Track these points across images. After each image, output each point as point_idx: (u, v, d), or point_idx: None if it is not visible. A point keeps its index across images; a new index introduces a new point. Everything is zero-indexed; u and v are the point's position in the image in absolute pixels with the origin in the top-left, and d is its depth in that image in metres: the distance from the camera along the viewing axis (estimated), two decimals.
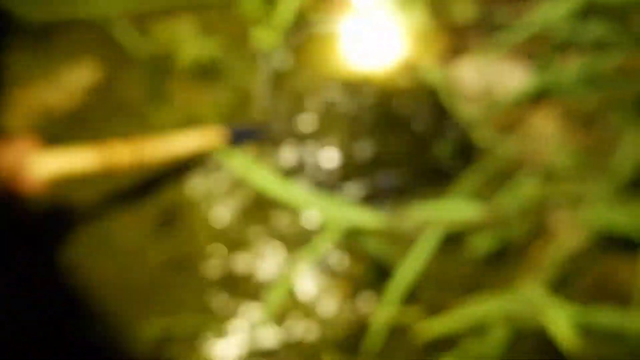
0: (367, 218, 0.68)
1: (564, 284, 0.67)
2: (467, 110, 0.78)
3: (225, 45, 0.79)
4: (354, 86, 0.78)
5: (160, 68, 0.78)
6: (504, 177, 0.74)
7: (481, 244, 0.68)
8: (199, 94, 0.77)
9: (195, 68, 0.78)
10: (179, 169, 0.72)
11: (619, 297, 0.65)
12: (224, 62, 0.78)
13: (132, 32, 0.78)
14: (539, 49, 0.78)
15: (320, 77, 0.78)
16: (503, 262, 0.69)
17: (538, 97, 0.79)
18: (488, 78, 0.80)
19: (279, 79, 0.78)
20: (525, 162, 0.76)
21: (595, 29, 0.74)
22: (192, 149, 0.66)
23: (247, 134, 0.72)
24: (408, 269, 0.66)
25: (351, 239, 0.70)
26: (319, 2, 0.82)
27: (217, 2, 0.81)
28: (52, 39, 0.79)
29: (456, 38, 0.79)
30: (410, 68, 0.79)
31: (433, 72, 0.77)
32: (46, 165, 0.56)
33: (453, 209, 0.67)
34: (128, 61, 0.78)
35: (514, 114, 0.79)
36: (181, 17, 0.80)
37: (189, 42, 0.78)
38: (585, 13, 0.74)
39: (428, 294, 0.69)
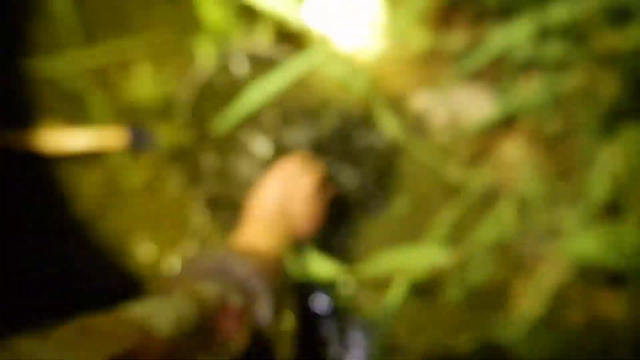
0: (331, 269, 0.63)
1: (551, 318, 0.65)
2: (434, 144, 0.76)
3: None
4: (311, 109, 0.74)
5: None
6: (478, 210, 0.72)
7: (455, 290, 0.66)
8: None
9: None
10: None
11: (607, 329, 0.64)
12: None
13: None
14: (500, 73, 0.75)
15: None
16: (483, 302, 0.67)
17: (504, 123, 0.77)
18: (452, 108, 0.78)
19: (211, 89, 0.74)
20: (498, 192, 0.74)
21: (555, 49, 0.71)
22: (92, 146, 0.69)
23: (148, 139, 0.72)
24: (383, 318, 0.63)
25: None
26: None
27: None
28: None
29: (414, 68, 0.77)
30: (368, 100, 0.75)
31: (386, 109, 0.74)
32: None
33: (421, 256, 0.64)
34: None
35: (481, 142, 0.77)
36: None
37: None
38: (544, 34, 0.71)
39: (405, 340, 0.67)
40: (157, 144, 0.74)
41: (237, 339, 0.39)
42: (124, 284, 0.71)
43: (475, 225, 0.72)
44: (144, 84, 0.77)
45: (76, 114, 0.75)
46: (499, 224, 0.70)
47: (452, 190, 0.74)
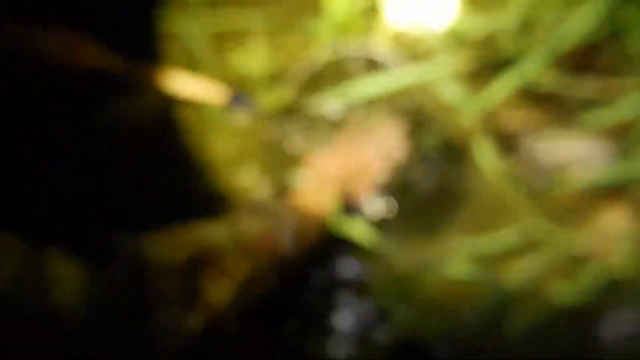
0: None
1: None
2: (531, 185, 0.71)
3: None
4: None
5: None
6: (557, 273, 0.68)
7: None
8: None
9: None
10: None
11: None
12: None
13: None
14: (626, 134, 0.69)
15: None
16: None
17: (614, 188, 0.71)
18: (562, 157, 0.72)
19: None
20: (587, 258, 0.69)
21: None
22: (196, 94, 0.75)
23: (246, 103, 0.75)
24: None
25: None
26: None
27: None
28: None
29: (534, 108, 0.71)
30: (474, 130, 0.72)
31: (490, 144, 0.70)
32: None
33: None
34: None
35: (582, 202, 0.71)
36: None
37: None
38: None
39: None
40: (254, 109, 0.76)
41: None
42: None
43: (551, 287, 0.68)
44: (255, 55, 0.77)
45: (189, 69, 0.77)
46: (577, 292, 0.66)
47: (535, 243, 0.70)
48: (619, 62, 0.72)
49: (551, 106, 0.75)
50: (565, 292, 0.67)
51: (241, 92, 0.76)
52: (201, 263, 0.44)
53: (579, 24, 0.67)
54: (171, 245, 0.44)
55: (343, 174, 0.67)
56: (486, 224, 0.71)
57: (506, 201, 0.71)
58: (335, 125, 0.74)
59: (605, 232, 0.68)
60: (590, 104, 0.70)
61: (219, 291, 0.44)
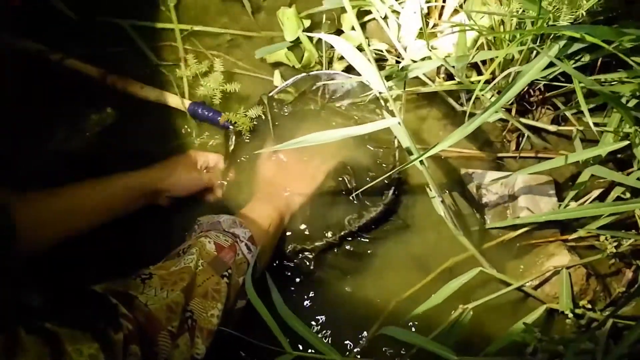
0: None
1: None
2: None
3: None
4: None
5: None
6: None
7: None
8: None
9: None
10: None
11: None
12: None
13: None
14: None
15: None
16: None
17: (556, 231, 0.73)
18: (507, 196, 0.74)
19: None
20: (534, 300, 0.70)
21: None
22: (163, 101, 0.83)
23: (206, 115, 0.81)
24: None
25: None
26: None
27: None
28: None
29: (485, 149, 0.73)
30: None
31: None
32: None
33: None
34: None
35: (525, 242, 0.73)
36: None
37: None
38: None
39: None
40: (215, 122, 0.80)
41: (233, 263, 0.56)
42: None
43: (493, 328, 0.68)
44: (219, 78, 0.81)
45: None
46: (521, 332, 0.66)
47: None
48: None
49: (498, 149, 0.78)
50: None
51: (201, 102, 0.82)
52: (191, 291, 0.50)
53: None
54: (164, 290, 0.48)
55: (285, 181, 0.73)
56: (429, 261, 0.73)
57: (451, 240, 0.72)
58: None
59: (550, 276, 0.70)
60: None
61: (212, 316, 0.51)
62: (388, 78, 0.74)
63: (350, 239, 0.74)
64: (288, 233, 0.73)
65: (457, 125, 0.80)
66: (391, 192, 0.75)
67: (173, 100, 0.83)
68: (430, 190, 0.68)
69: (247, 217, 0.67)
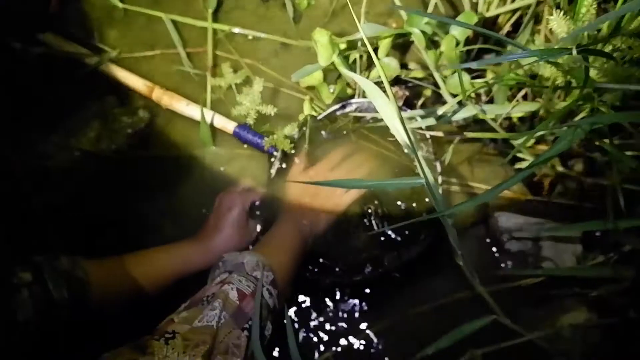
0: None
1: None
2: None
3: None
4: None
5: None
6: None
7: None
8: None
9: None
10: None
11: None
12: None
13: None
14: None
15: None
16: None
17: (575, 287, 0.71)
18: (532, 250, 0.73)
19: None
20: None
21: None
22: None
23: (250, 139, 0.82)
24: None
25: None
26: None
27: None
28: None
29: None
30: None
31: None
32: None
33: None
34: None
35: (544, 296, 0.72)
36: None
37: None
38: None
39: None
40: (260, 147, 0.81)
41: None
42: None
43: None
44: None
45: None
46: None
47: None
48: None
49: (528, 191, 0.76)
50: None
51: (245, 125, 0.82)
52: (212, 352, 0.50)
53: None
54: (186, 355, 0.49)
55: (311, 204, 0.74)
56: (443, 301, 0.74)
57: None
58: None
59: (565, 332, 0.69)
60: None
61: None
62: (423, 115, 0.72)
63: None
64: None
65: (485, 159, 0.79)
66: (433, 233, 0.74)
67: (219, 121, 0.83)
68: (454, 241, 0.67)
69: (272, 246, 0.68)
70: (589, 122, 0.52)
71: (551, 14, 0.55)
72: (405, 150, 0.73)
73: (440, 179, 0.76)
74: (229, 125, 0.83)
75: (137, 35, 0.91)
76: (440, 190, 0.75)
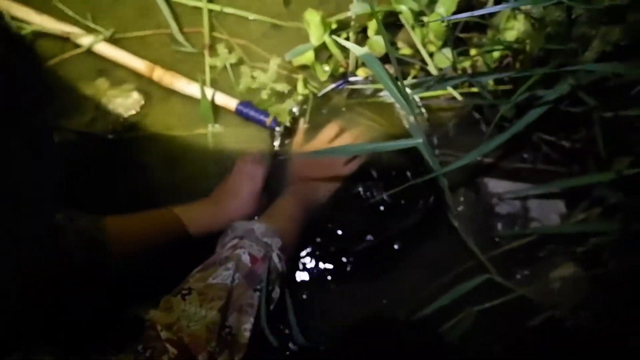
0: None
1: None
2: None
3: None
4: None
5: None
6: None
7: None
8: None
9: None
10: None
11: None
12: None
13: None
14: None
15: None
16: None
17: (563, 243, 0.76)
18: (520, 207, 0.77)
19: None
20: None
21: None
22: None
23: (253, 115, 0.83)
24: None
25: None
26: None
27: None
28: None
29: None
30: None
31: None
32: None
33: None
34: None
35: (533, 252, 0.77)
36: None
37: None
38: None
39: None
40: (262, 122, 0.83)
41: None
42: None
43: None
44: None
45: None
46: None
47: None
48: None
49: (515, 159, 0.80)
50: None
51: (247, 102, 0.84)
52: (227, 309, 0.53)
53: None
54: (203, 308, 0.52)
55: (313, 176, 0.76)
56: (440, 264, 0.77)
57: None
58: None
59: (555, 286, 0.73)
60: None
61: (245, 330, 0.54)
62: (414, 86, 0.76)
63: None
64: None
65: (474, 130, 0.83)
66: (431, 199, 0.77)
67: (221, 98, 0.85)
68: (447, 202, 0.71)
69: (278, 215, 0.70)
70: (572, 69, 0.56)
71: None
72: (402, 113, 0.76)
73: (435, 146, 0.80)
74: (231, 103, 0.84)
75: (130, 15, 0.91)
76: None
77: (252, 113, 0.83)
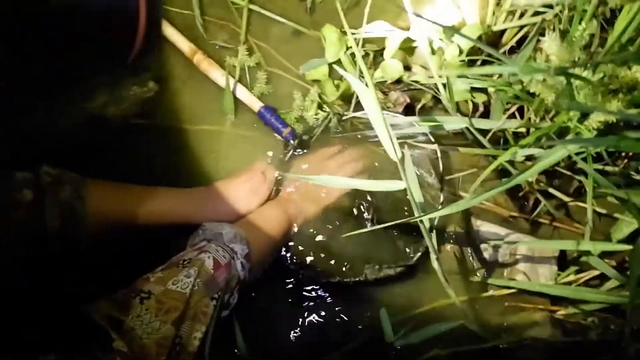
0: None
1: None
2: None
3: None
4: None
5: None
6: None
7: None
8: None
9: None
10: None
11: None
12: None
13: None
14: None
15: None
16: None
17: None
18: (509, 256, 0.75)
19: None
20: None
21: None
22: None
23: (273, 122, 0.83)
24: None
25: None
26: None
27: None
28: None
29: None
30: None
31: None
32: None
33: None
34: None
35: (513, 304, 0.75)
36: None
37: None
38: None
39: None
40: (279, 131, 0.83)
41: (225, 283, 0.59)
42: None
43: None
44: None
45: None
46: None
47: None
48: None
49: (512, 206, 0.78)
50: None
51: (271, 108, 0.84)
52: (182, 319, 0.53)
53: None
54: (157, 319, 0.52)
55: (304, 188, 0.77)
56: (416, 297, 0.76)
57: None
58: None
59: (529, 343, 0.72)
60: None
61: (195, 338, 0.54)
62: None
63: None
64: (290, 243, 0.76)
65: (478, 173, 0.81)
66: (418, 255, 0.76)
67: (247, 97, 0.85)
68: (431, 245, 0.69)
69: (255, 222, 0.70)
70: (564, 143, 0.54)
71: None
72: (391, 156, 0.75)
73: (439, 185, 0.78)
74: (255, 104, 0.84)
75: None
76: (442, 197, 0.77)
77: (273, 119, 0.83)
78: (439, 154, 0.78)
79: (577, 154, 0.60)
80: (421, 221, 0.61)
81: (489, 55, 0.77)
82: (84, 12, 0.39)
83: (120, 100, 0.87)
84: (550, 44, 0.54)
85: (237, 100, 0.85)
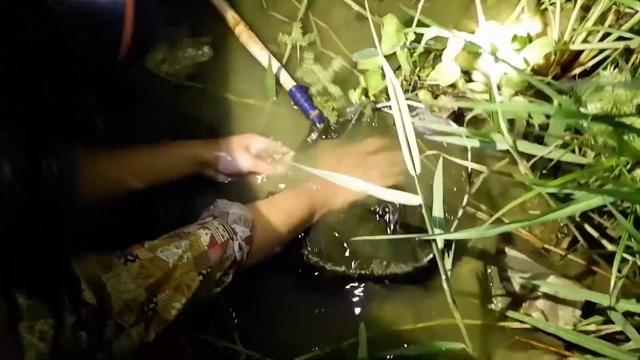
0: None
1: None
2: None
3: None
4: None
5: None
6: None
7: None
8: None
9: None
10: None
11: None
12: None
13: None
14: None
15: None
16: None
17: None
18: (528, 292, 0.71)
19: None
20: None
21: None
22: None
23: (302, 103, 0.82)
24: None
25: None
26: None
27: None
28: None
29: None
30: None
31: None
32: None
33: None
34: None
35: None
36: None
37: None
38: None
39: None
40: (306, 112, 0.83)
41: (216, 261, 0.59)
42: None
43: None
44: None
45: None
46: None
47: None
48: None
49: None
50: None
51: (304, 87, 0.84)
52: (159, 286, 0.54)
53: None
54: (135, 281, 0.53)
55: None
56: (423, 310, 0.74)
57: None
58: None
59: None
60: None
61: (173, 308, 0.55)
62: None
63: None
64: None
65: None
66: (429, 258, 0.73)
67: (283, 75, 0.84)
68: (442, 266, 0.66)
69: (270, 207, 0.69)
70: (602, 192, 0.49)
71: None
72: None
73: (464, 202, 0.74)
74: (288, 82, 0.84)
75: None
76: (460, 214, 0.74)
77: (302, 100, 0.82)
78: (470, 170, 0.74)
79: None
80: (434, 240, 0.59)
81: (555, 76, 0.70)
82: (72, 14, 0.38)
83: (175, 60, 0.89)
84: (610, 80, 0.48)
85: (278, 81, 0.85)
